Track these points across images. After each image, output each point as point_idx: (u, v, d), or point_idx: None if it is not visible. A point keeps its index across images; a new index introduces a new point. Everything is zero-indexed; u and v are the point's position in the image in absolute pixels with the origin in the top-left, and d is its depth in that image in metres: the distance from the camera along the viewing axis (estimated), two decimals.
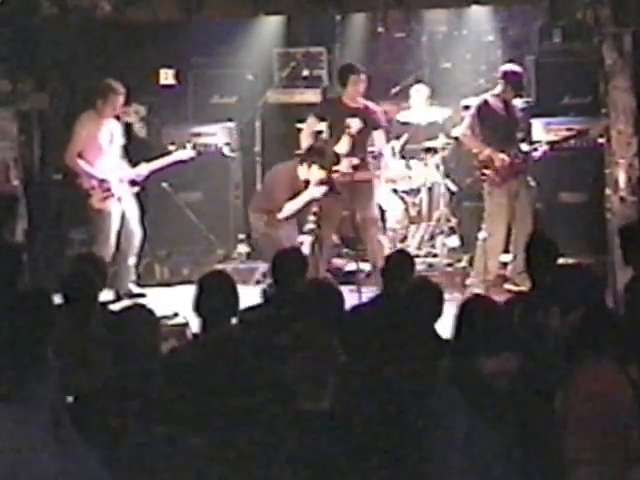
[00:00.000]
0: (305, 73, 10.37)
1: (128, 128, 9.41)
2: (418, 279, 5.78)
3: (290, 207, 8.33)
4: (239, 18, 9.95)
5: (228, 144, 10.02)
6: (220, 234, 9.75)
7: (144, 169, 8.72)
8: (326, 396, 3.75)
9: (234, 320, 5.03)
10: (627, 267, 6.09)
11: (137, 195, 8.80)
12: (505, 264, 8.68)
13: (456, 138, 9.26)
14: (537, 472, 3.79)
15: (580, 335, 3.96)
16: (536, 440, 3.84)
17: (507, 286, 8.50)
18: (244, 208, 9.85)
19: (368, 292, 7.86)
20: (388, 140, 9.30)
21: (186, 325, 6.69)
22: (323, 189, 8.26)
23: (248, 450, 3.62)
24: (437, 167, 9.64)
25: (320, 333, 3.93)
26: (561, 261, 5.83)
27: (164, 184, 9.52)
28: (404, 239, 9.53)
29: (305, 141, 8.67)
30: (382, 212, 9.37)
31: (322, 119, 8.62)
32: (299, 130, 9.04)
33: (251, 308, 5.71)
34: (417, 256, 9.43)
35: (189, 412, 4.09)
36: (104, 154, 8.56)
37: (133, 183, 8.69)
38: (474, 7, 9.90)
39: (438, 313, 5.10)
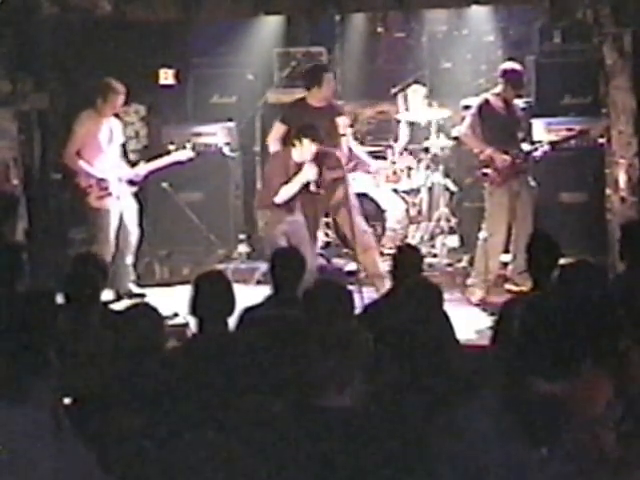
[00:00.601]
0: None
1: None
2: (417, 279, 5.79)
3: (285, 191, 7.89)
4: (239, 18, 9.95)
5: (228, 144, 10.02)
6: (220, 234, 9.75)
7: (142, 169, 8.71)
8: (349, 393, 3.75)
9: (231, 320, 5.04)
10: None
11: (136, 194, 8.80)
12: (505, 264, 8.67)
13: (456, 138, 9.26)
14: None
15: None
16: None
17: (507, 286, 8.50)
18: (244, 208, 9.87)
19: (369, 292, 7.88)
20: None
21: (186, 325, 6.69)
22: (316, 170, 7.99)
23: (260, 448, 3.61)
24: (437, 167, 9.64)
25: (355, 329, 3.93)
26: (562, 261, 5.83)
27: (164, 184, 9.51)
28: (404, 239, 9.53)
29: (273, 147, 8.56)
30: (382, 212, 9.38)
31: (288, 124, 8.40)
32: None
33: (251, 308, 5.71)
34: None
35: (192, 411, 4.10)
36: (103, 153, 8.56)
37: (132, 183, 8.69)
38: (474, 7, 9.89)
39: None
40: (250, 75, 10.29)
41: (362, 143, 9.68)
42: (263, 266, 8.69)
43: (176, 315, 7.25)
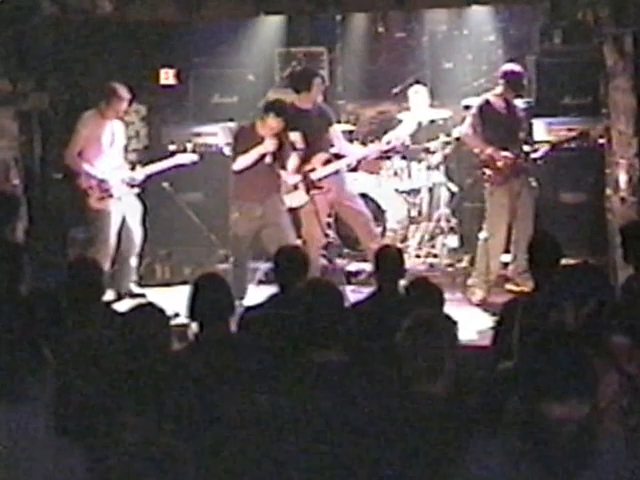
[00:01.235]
0: None
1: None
2: (417, 279, 5.78)
3: (242, 159, 7.99)
4: (239, 18, 9.95)
5: (229, 144, 10.00)
6: (221, 234, 9.73)
7: (141, 173, 8.70)
8: (441, 380, 3.76)
9: (232, 321, 5.04)
10: (627, 267, 6.08)
11: (138, 195, 8.80)
12: (506, 264, 8.67)
13: (457, 138, 9.25)
14: None
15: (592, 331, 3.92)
16: None
17: (508, 286, 8.50)
18: None
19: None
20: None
21: (187, 325, 6.67)
22: (275, 142, 8.03)
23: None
24: (437, 167, 9.64)
25: (443, 317, 3.94)
26: (562, 262, 5.82)
27: (165, 184, 9.51)
28: (404, 239, 9.53)
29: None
30: (382, 212, 9.38)
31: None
32: None
33: (252, 308, 5.71)
34: (417, 256, 9.47)
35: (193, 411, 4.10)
36: (104, 154, 8.55)
37: (132, 185, 8.68)
38: (474, 7, 9.89)
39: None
40: (251, 75, 10.29)
41: (363, 143, 9.68)
42: (264, 266, 8.70)
43: (177, 315, 7.24)
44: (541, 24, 9.82)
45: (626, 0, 8.18)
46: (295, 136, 8.25)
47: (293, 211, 8.45)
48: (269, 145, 8.01)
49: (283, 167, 8.16)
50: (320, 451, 3.69)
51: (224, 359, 4.56)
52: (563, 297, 4.42)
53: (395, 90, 10.18)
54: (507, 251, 8.63)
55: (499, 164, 8.39)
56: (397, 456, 3.60)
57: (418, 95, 9.78)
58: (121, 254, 8.60)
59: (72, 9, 9.16)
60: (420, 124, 9.78)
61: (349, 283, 8.54)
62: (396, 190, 9.62)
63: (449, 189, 9.70)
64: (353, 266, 9.22)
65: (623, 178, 8.28)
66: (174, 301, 7.52)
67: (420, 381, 3.76)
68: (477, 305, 8.38)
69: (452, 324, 4.05)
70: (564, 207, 9.20)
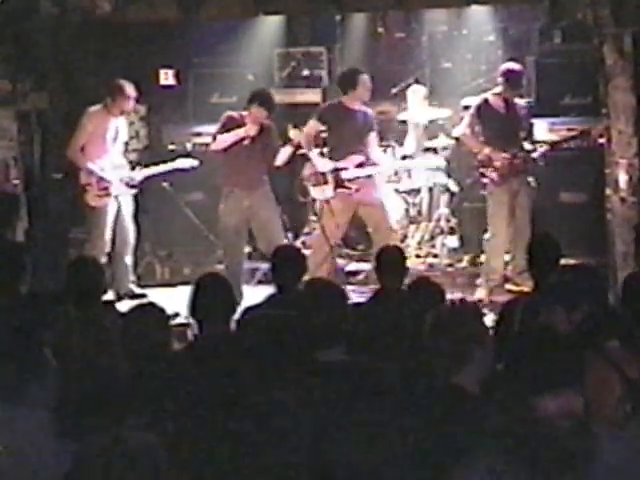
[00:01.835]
0: (305, 73, 10.39)
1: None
2: (418, 279, 5.79)
3: (221, 138, 8.25)
4: (239, 18, 9.94)
5: None
6: None
7: (140, 174, 8.70)
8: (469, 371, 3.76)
9: (232, 321, 5.04)
10: (627, 267, 6.09)
11: (135, 194, 8.80)
12: (506, 264, 8.67)
13: (457, 138, 9.26)
14: None
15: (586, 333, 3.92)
16: None
17: (508, 286, 8.50)
18: None
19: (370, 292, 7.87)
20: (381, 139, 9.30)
21: (187, 325, 6.68)
22: (256, 128, 8.18)
23: None
24: (437, 167, 9.64)
25: (468, 315, 3.96)
26: (562, 262, 5.82)
27: (165, 184, 9.51)
28: (404, 239, 9.53)
29: (307, 147, 8.60)
30: None
31: (324, 122, 8.49)
32: None
33: (251, 308, 5.71)
34: (417, 256, 9.46)
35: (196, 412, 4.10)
36: (107, 152, 8.55)
37: (131, 185, 8.68)
38: (474, 7, 9.89)
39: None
40: (250, 75, 10.29)
41: None
42: (264, 266, 8.70)
43: (177, 315, 7.24)
44: (541, 24, 9.83)
45: (626, 0, 8.19)
46: (294, 134, 8.28)
47: (314, 202, 8.60)
48: (249, 129, 8.17)
49: (263, 156, 8.26)
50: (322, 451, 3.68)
51: (224, 359, 4.56)
52: (557, 300, 4.43)
53: (394, 90, 10.18)
54: (507, 251, 8.63)
55: (497, 164, 8.39)
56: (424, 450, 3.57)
57: (416, 95, 9.79)
58: (116, 253, 8.59)
59: (72, 9, 9.17)
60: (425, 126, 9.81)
61: (349, 283, 8.53)
62: (396, 190, 9.62)
63: (449, 189, 9.70)
64: (353, 266, 9.22)
65: (623, 178, 8.28)
66: (174, 301, 7.55)
67: (448, 373, 3.76)
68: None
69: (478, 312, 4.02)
70: (564, 207, 9.20)
